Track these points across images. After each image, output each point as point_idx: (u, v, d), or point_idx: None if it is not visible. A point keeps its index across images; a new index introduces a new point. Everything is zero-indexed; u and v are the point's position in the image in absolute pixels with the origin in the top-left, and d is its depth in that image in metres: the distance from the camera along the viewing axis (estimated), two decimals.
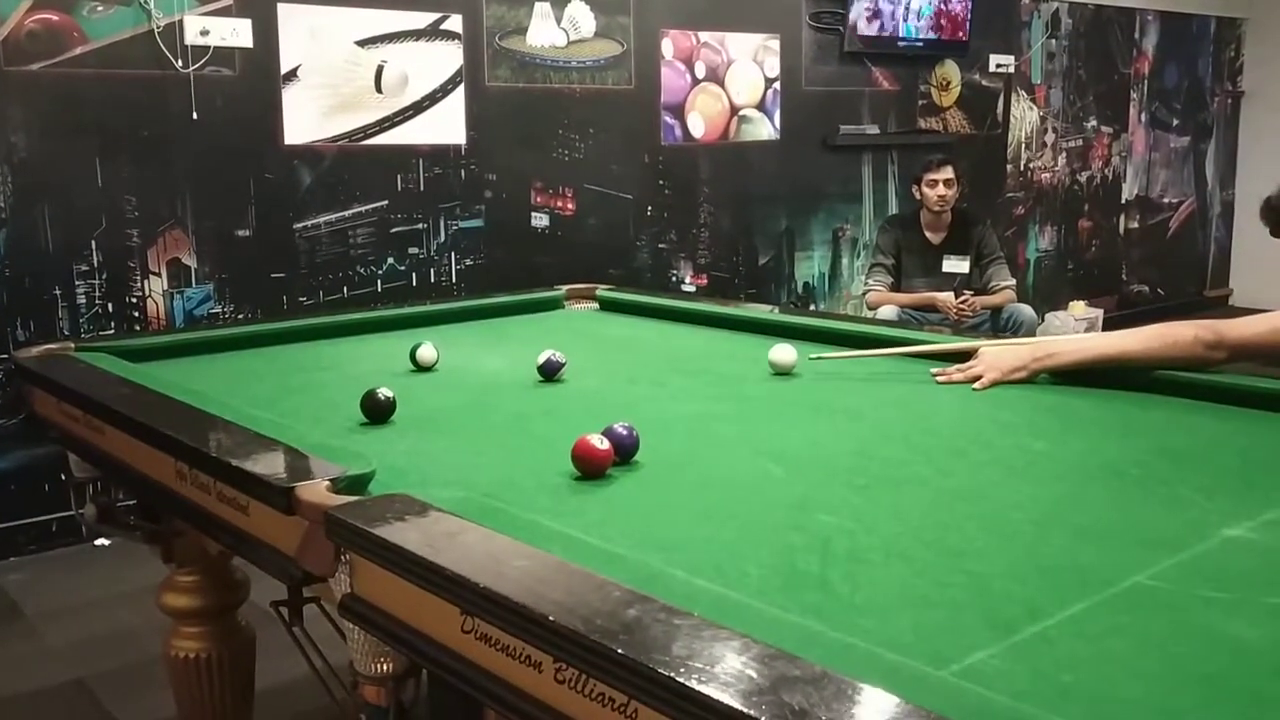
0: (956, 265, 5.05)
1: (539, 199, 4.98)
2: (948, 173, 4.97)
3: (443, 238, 4.71)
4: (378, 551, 1.27)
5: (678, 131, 5.44)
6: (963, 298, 4.89)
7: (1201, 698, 1.02)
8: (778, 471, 1.70)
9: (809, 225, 6.09)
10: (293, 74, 4.25)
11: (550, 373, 2.28)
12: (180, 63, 3.98)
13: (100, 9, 3.86)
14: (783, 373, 2.33)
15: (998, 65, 6.85)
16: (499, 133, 4.80)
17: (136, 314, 4.03)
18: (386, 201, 4.54)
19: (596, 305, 3.20)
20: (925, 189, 4.99)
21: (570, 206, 5.04)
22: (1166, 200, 8.23)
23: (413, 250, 4.64)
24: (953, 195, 5.01)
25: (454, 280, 4.76)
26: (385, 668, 1.47)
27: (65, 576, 3.72)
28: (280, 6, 4.19)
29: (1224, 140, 8.57)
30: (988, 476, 1.67)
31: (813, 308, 5.99)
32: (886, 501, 1.55)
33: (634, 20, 5.20)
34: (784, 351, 2.35)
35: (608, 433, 1.68)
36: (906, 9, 6.12)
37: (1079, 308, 7.25)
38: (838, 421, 1.99)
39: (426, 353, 2.41)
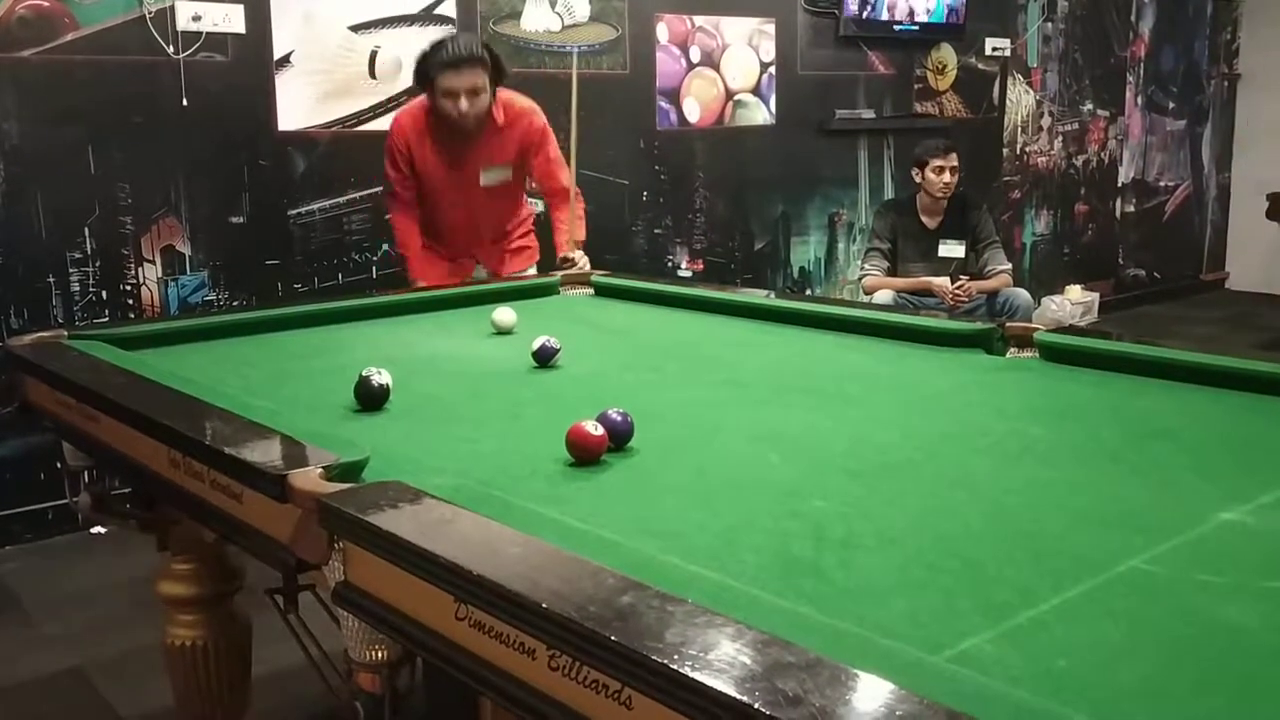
0: (953, 250, 5.04)
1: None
2: (953, 160, 4.95)
3: None
4: (371, 539, 1.27)
5: (673, 116, 5.43)
6: (959, 282, 4.88)
7: (1197, 682, 1.02)
8: (773, 458, 1.69)
9: (805, 210, 6.08)
10: (286, 60, 4.23)
11: (545, 359, 2.28)
12: (172, 49, 3.96)
13: None
14: (504, 332, 2.58)
15: (994, 49, 6.83)
16: None
17: (131, 302, 4.02)
18: (381, 188, 4.52)
19: (592, 291, 3.19)
20: (930, 174, 4.96)
21: None
22: (1163, 184, 8.22)
23: None
24: (955, 182, 5.01)
25: None
26: (380, 655, 1.47)
27: (61, 565, 3.72)
28: None
29: (1220, 123, 8.55)
30: (982, 462, 1.67)
31: (809, 293, 5.98)
32: (881, 487, 1.55)
33: (629, 4, 5.17)
34: (504, 314, 2.62)
35: (602, 419, 1.68)
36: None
37: (1075, 291, 7.25)
38: (833, 407, 1.99)
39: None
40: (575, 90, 3.60)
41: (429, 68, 3.53)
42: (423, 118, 3.64)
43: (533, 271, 3.81)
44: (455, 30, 4.62)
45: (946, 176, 4.94)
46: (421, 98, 3.66)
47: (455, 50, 3.49)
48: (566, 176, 3.73)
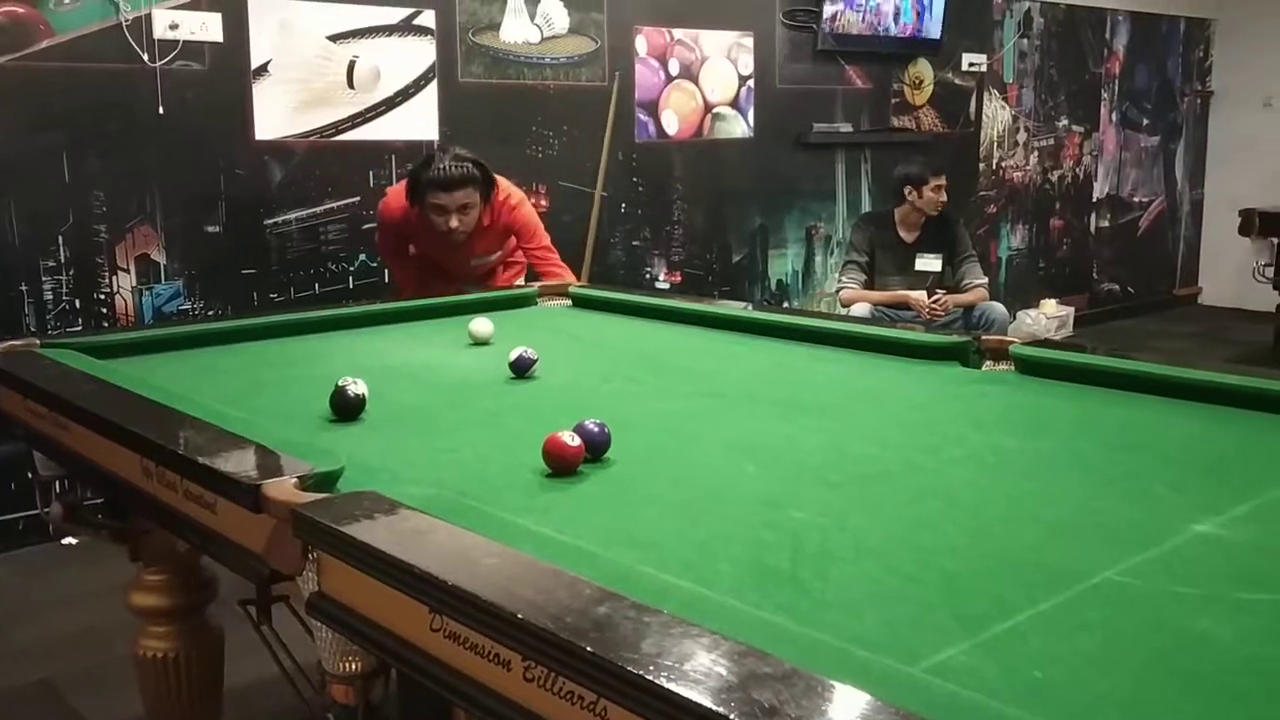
0: (929, 263, 5.07)
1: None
2: (943, 179, 5.03)
3: None
4: (345, 549, 1.26)
5: (651, 128, 5.44)
6: (935, 296, 4.91)
7: (1171, 693, 1.03)
8: (750, 469, 1.69)
9: (783, 223, 6.10)
10: (263, 69, 4.22)
11: (522, 370, 2.27)
12: (149, 57, 3.94)
13: (67, 2, 3.81)
14: (481, 343, 2.59)
15: (970, 64, 6.88)
16: (472, 129, 4.77)
17: (105, 311, 3.99)
18: (358, 198, 4.51)
19: (569, 302, 3.19)
20: (930, 193, 4.99)
21: (543, 203, 5.02)
22: (1137, 199, 8.29)
23: None
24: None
25: None
26: (353, 666, 1.46)
27: (32, 575, 3.68)
28: (251, 0, 4.15)
29: (1193, 140, 8.64)
30: (959, 473, 1.67)
31: (786, 305, 6.00)
32: (858, 498, 1.55)
33: (608, 17, 5.19)
34: (481, 324, 2.63)
35: (579, 430, 1.67)
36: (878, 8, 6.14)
37: (1050, 306, 7.30)
38: (810, 419, 1.99)
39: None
40: (614, 106, 3.67)
41: (419, 185, 3.61)
42: (413, 214, 3.71)
43: (521, 283, 3.85)
44: (433, 40, 4.62)
45: (943, 196, 5.03)
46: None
47: (446, 171, 3.56)
48: (570, 275, 3.84)
